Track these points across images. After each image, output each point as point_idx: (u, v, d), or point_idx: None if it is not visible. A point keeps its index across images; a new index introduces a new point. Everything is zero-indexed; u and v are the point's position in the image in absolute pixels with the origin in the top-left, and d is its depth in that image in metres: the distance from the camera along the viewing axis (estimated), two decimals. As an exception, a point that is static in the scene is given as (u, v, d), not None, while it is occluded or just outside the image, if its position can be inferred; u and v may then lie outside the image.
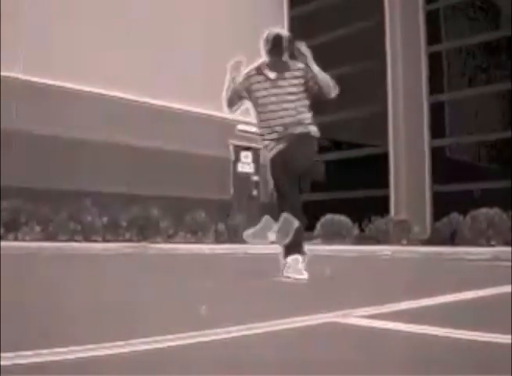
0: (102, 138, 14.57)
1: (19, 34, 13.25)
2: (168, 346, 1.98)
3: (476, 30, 16.84)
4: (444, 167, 15.71)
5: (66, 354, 1.79)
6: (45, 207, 12.45)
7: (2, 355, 1.70)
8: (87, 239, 12.42)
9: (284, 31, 5.18)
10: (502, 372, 1.65)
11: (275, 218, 4.68)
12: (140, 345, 1.96)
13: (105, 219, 13.11)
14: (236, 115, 17.33)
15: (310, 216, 15.77)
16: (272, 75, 4.93)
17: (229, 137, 17.30)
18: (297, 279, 4.57)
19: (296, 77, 4.90)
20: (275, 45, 4.93)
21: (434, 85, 16.75)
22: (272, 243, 4.84)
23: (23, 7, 13.55)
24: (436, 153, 15.98)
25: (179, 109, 16.14)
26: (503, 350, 1.95)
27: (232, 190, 17.21)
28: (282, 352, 1.99)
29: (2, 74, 12.89)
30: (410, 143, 16.28)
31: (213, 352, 1.94)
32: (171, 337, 2.09)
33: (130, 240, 12.80)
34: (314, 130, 4.96)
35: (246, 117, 17.83)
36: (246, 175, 17.66)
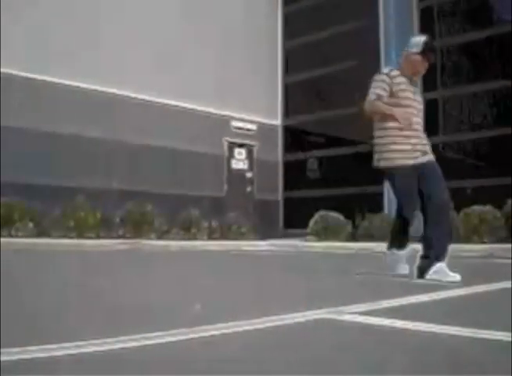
0: (97, 134, 14.53)
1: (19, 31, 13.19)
2: (158, 343, 1.98)
3: (469, 28, 16.85)
4: (437, 164, 15.73)
5: (55, 350, 1.79)
6: (39, 203, 12.40)
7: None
8: (80, 235, 12.39)
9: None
10: (502, 372, 1.65)
11: None
12: (130, 342, 1.95)
13: (98, 216, 13.07)
14: (229, 112, 17.38)
15: (304, 213, 15.75)
16: (413, 81, 4.97)
17: (223, 134, 17.27)
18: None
19: (419, 102, 4.95)
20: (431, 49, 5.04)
21: (427, 83, 16.78)
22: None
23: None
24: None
25: (173, 105, 16.10)
26: (503, 348, 1.95)
27: (225, 187, 17.20)
28: (276, 349, 1.99)
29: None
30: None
31: (207, 349, 1.94)
32: (160, 334, 2.09)
33: (124, 237, 12.78)
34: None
35: (240, 114, 17.90)
36: (241, 172, 17.65)
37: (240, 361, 1.77)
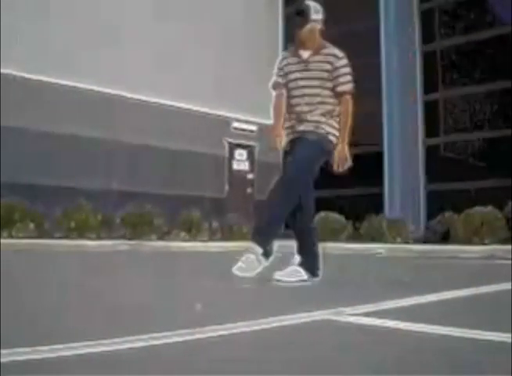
0: (97, 135, 14.52)
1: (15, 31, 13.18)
2: (165, 343, 1.98)
3: (470, 29, 16.87)
4: (438, 165, 15.75)
5: (63, 350, 1.78)
6: (39, 203, 12.40)
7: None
8: (81, 236, 12.39)
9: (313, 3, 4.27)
10: (502, 372, 1.65)
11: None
12: (138, 342, 1.95)
13: (99, 217, 13.07)
14: (230, 112, 17.35)
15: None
16: (305, 54, 4.25)
17: (224, 135, 17.27)
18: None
19: (327, 62, 4.21)
20: (298, 13, 4.20)
21: (429, 84, 16.79)
22: None
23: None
24: (430, 152, 16.02)
25: (173, 106, 16.10)
26: (503, 349, 1.95)
27: (226, 188, 17.19)
28: (275, 350, 1.99)
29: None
30: (405, 142, 16.32)
31: (206, 350, 1.94)
32: (168, 334, 2.09)
33: (124, 238, 12.77)
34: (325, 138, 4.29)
35: (240, 115, 17.89)
36: (241, 173, 17.65)
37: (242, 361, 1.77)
